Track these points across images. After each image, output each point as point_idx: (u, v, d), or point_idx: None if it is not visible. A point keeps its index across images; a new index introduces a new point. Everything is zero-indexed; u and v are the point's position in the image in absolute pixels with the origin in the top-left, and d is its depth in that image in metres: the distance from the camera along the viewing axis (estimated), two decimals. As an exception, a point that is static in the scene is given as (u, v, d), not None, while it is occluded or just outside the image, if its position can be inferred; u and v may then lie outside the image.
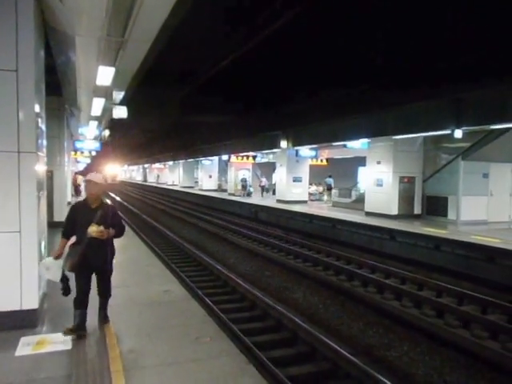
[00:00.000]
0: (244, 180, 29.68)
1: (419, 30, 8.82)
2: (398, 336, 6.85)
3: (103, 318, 5.09)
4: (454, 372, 5.68)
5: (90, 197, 4.77)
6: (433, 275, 10.23)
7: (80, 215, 4.73)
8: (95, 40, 6.07)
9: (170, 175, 49.14)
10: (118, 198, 32.30)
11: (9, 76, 4.74)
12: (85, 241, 4.58)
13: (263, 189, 29.16)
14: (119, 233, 4.93)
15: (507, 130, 12.93)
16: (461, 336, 6.57)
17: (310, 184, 25.83)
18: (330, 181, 25.01)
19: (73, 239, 4.80)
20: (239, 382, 3.76)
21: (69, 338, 4.54)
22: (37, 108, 5.08)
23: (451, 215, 14.98)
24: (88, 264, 4.70)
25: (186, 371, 3.93)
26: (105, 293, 5.10)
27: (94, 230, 4.52)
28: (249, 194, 28.47)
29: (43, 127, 5.83)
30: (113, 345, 4.43)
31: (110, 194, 37.69)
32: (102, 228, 4.56)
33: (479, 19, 7.97)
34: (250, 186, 29.51)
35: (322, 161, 26.51)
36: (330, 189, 24.65)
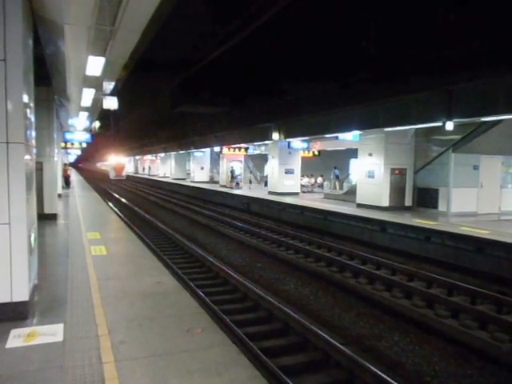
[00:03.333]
0: (232, 171, 29.56)
1: (410, 21, 8.82)
2: (388, 326, 6.92)
3: None
4: (443, 361, 5.77)
5: None
6: (423, 266, 10.33)
7: None
8: (85, 29, 5.99)
9: (161, 167, 48.87)
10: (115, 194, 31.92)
11: (-4, 65, 4.66)
12: None
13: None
14: None
15: (498, 122, 13.01)
16: (450, 326, 6.67)
17: (302, 176, 25.88)
18: (337, 172, 26.22)
19: None
20: (231, 371, 3.77)
21: (60, 329, 4.52)
22: (25, 98, 5.00)
23: (442, 207, 15.10)
24: None
25: (177, 362, 3.94)
26: None
27: None
28: (238, 184, 28.04)
29: (32, 118, 5.75)
30: (104, 336, 4.42)
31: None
32: None
33: (470, 9, 7.98)
34: (242, 181, 29.31)
35: (313, 153, 26.50)
36: (338, 179, 25.98)
